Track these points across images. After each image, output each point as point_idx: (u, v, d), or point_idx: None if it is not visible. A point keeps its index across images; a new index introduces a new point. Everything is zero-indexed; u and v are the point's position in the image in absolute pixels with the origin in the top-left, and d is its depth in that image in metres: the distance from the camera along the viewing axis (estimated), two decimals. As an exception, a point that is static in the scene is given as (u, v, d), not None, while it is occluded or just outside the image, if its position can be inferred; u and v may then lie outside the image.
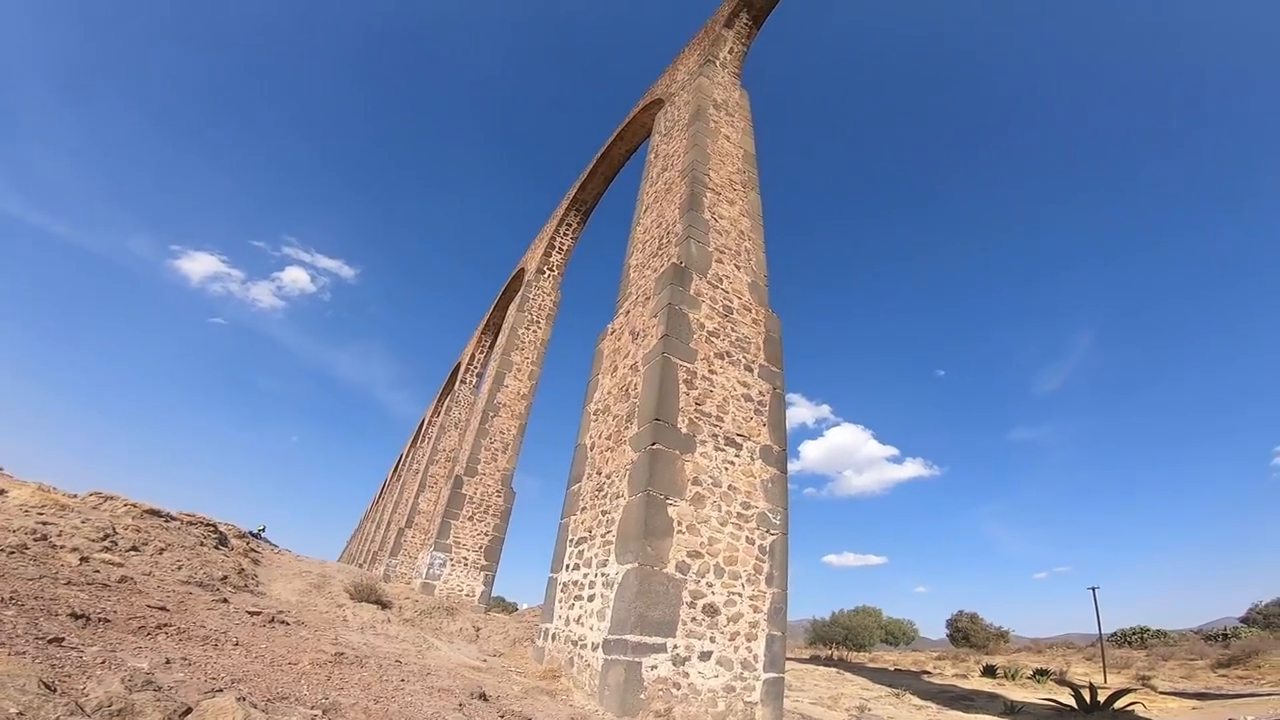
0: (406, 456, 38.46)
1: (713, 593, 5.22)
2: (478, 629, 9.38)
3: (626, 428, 6.44)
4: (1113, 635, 30.12)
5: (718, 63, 15.27)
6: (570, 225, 20.94)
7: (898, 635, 36.20)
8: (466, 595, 14.35)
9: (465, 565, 14.61)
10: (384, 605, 9.42)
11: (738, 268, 8.57)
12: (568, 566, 6.38)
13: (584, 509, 6.55)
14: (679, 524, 5.40)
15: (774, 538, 6.19)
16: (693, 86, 14.11)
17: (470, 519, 15.16)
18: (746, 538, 5.94)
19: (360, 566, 25.62)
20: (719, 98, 13.91)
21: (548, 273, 20.54)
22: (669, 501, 5.50)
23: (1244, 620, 29.01)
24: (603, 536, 5.74)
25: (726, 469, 6.25)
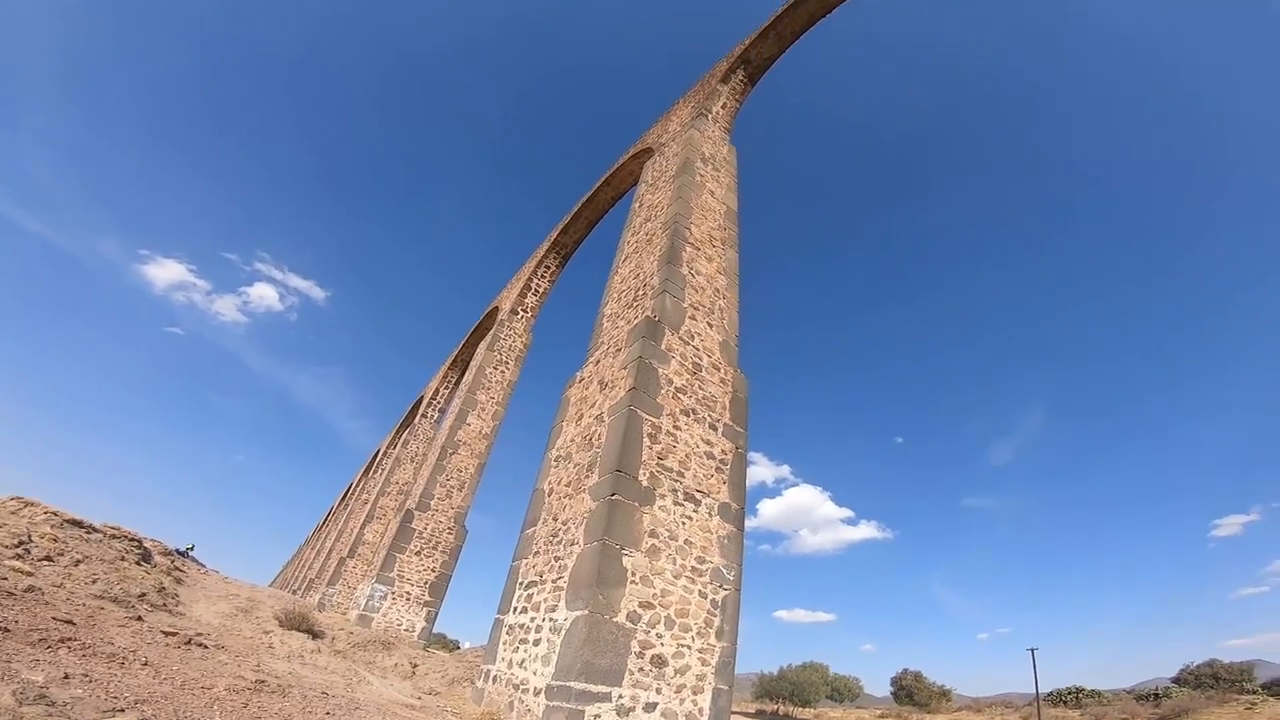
0: (357, 486, 37.44)
1: (662, 644, 5.47)
2: (414, 665, 9.28)
3: (587, 476, 6.74)
4: (1049, 694, 30.98)
5: (710, 117, 16.27)
6: (549, 268, 21.45)
7: (843, 692, 36.48)
8: (406, 630, 14.04)
9: (408, 600, 14.34)
10: (315, 635, 9.25)
11: (710, 325, 9.11)
12: (515, 609, 6.53)
13: (537, 553, 6.75)
14: (633, 574, 5.67)
15: (726, 593, 6.50)
16: (683, 138, 14.98)
17: (418, 553, 14.96)
18: (699, 591, 6.23)
19: (294, 593, 24.58)
20: (707, 152, 14.79)
21: (521, 314, 20.91)
22: (624, 552, 5.78)
23: (1175, 680, 30.22)
24: (554, 582, 5.95)
25: (684, 523, 6.59)
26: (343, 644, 9.50)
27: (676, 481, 6.87)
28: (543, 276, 21.57)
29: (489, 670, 6.44)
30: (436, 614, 14.73)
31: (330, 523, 39.68)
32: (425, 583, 14.74)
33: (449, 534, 15.75)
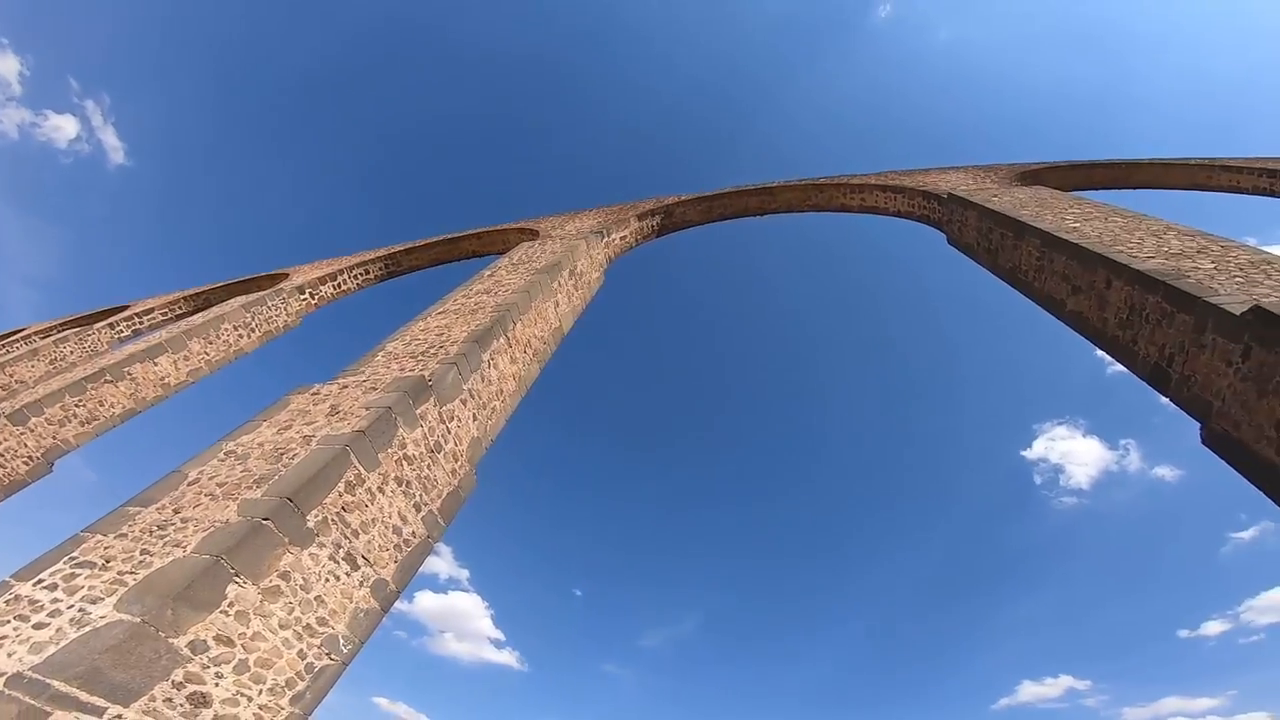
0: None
1: (218, 685, 5.22)
2: None
3: (251, 488, 6.60)
4: None
5: (605, 239, 18.44)
6: (369, 274, 21.11)
7: None
8: None
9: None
10: None
11: (475, 418, 9.82)
12: (42, 581, 5.70)
13: (124, 536, 6.17)
14: (230, 605, 5.52)
15: (331, 664, 6.41)
16: (569, 243, 16.72)
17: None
18: (300, 651, 6.12)
19: None
20: (580, 267, 16.59)
21: (307, 298, 19.87)
22: (237, 579, 5.65)
23: None
24: (121, 574, 5.49)
25: (328, 580, 6.60)
26: None
27: (347, 539, 6.97)
28: (355, 277, 20.91)
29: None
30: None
31: None
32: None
33: (23, 464, 12.89)
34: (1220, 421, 7.55)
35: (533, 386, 11.96)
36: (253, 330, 17.76)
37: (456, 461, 9.11)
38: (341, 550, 6.80)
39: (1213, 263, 9.15)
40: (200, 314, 18.31)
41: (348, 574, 6.79)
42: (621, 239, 18.74)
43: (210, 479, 7.06)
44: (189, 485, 7.02)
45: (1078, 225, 11.60)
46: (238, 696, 5.34)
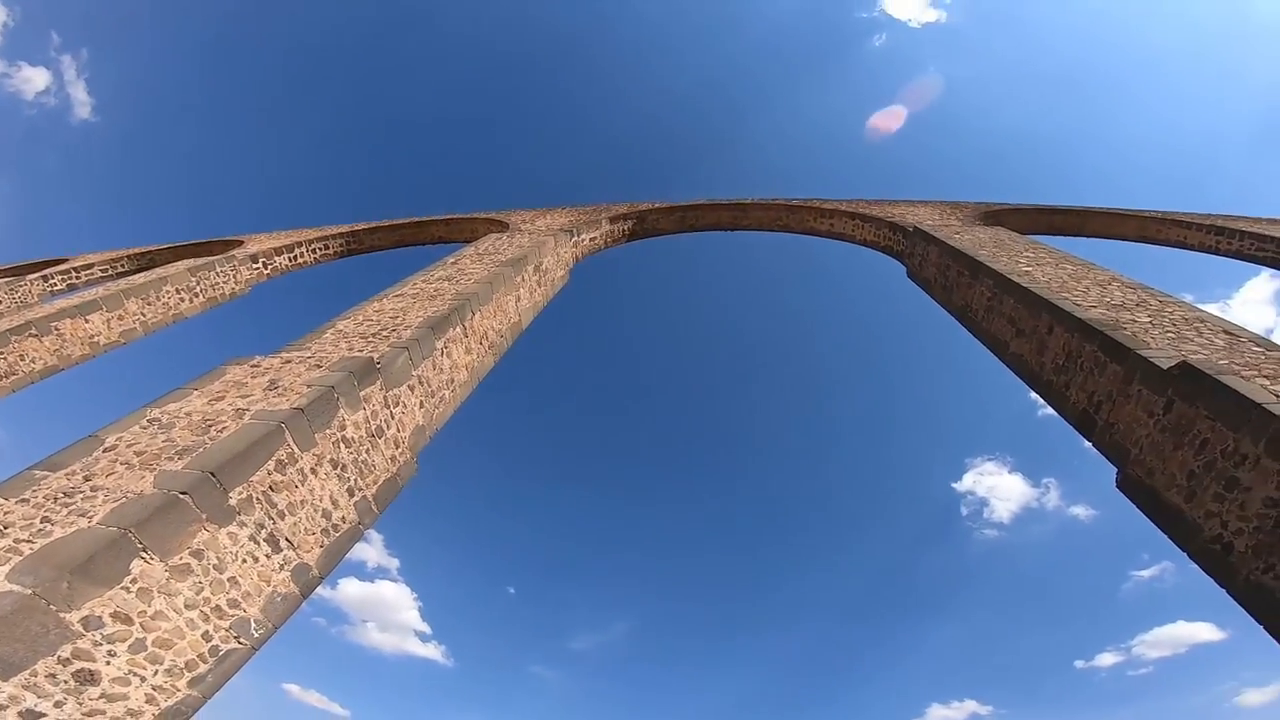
0: None
1: (109, 663, 4.97)
2: None
3: (173, 459, 6.32)
4: None
5: (574, 238, 18.36)
6: (328, 249, 20.58)
7: None
8: None
9: None
10: None
11: (421, 405, 9.64)
12: None
13: (25, 501, 5.82)
14: (133, 581, 5.27)
15: (239, 648, 6.17)
16: (538, 239, 16.60)
17: None
18: (207, 633, 5.87)
19: None
20: (546, 264, 16.47)
21: (260, 267, 19.25)
22: (144, 554, 5.40)
23: None
24: (16, 542, 5.20)
25: (245, 562, 6.36)
26: None
27: (271, 520, 6.74)
28: (312, 252, 20.32)
29: None
30: None
31: None
32: None
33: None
34: (1135, 468, 7.94)
35: (486, 379, 11.80)
36: (196, 295, 17.08)
37: (398, 448, 8.92)
38: (264, 531, 6.57)
39: (1149, 317, 9.62)
40: (142, 274, 17.52)
41: (268, 556, 6.57)
42: (591, 240, 18.68)
43: (129, 447, 6.75)
44: (105, 452, 6.70)
45: (1030, 269, 12.06)
46: (129, 676, 5.10)
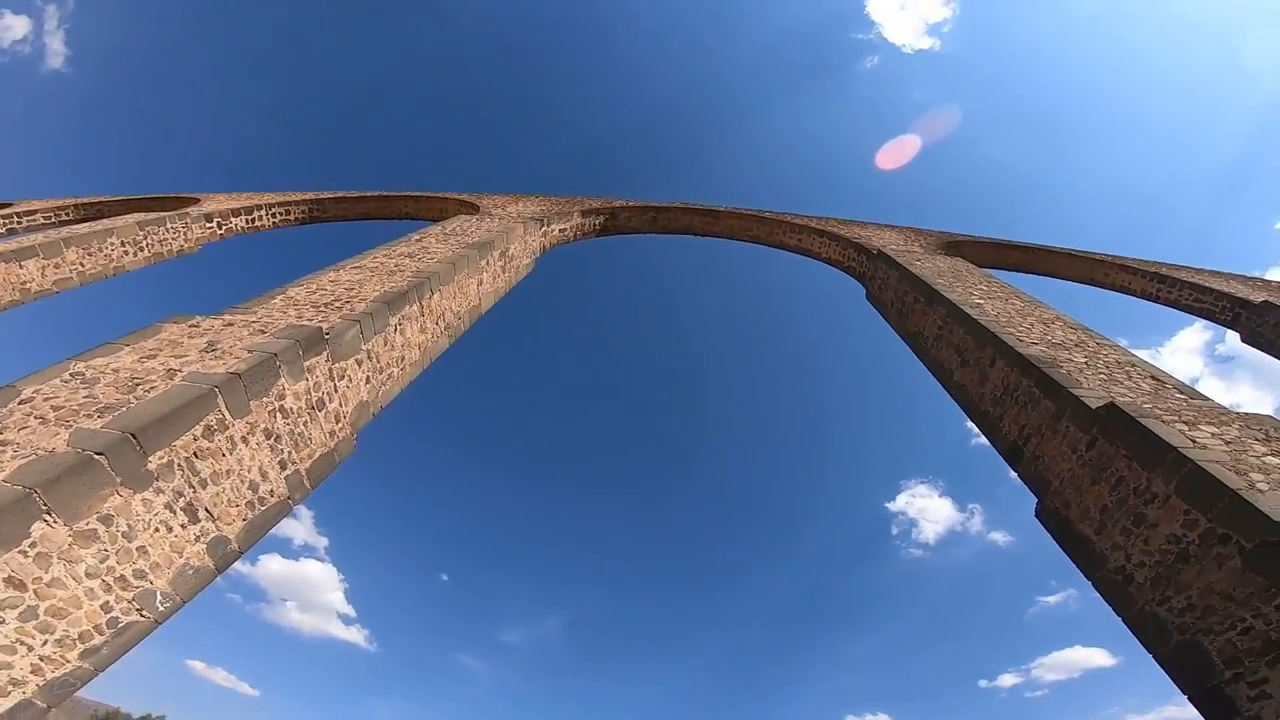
0: None
1: None
2: None
3: (92, 417, 6.02)
4: None
5: (543, 227, 18.18)
6: (287, 215, 19.96)
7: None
8: None
9: None
10: None
11: (368, 381, 9.41)
12: None
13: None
14: (32, 545, 4.99)
15: (140, 621, 5.91)
16: (507, 224, 16.37)
17: None
18: (107, 603, 5.61)
19: None
20: (513, 250, 16.27)
21: (214, 226, 18.56)
22: (48, 517, 5.13)
23: None
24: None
25: (158, 531, 6.11)
26: None
27: (193, 488, 6.49)
28: (274, 215, 19.65)
29: None
30: None
31: None
32: None
33: None
34: (1054, 499, 8.28)
35: (439, 360, 11.59)
36: (141, 249, 16.34)
37: (338, 423, 8.69)
38: (182, 499, 6.32)
39: (1085, 358, 10.01)
40: (87, 224, 16.69)
41: (184, 527, 6.32)
42: (560, 231, 18.53)
43: (46, 400, 6.40)
44: (20, 404, 6.35)
45: (981, 302, 12.44)
46: (16, 644, 4.85)
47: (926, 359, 12.81)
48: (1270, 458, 6.81)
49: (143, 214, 17.72)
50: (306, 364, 8.22)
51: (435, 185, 21.31)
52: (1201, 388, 11.26)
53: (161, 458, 6.18)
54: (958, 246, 18.17)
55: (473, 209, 19.06)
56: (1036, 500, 8.66)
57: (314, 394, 8.29)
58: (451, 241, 14.26)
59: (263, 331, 8.38)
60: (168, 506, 6.18)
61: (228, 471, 6.87)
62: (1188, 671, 6.03)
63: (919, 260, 15.40)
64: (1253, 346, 16.99)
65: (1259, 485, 6.21)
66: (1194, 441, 7.06)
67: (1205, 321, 17.89)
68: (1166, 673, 6.27)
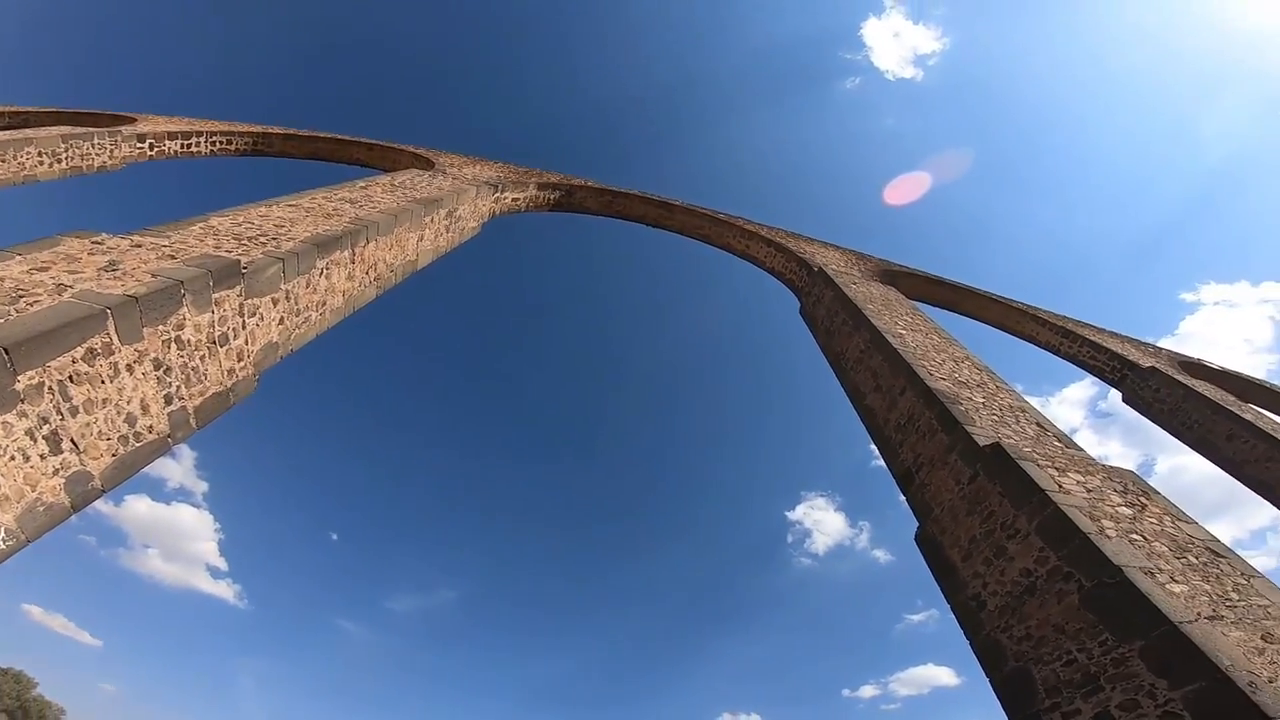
0: None
1: None
2: None
3: (-47, 324, 5.49)
4: None
5: (497, 193, 17.72)
6: (228, 144, 18.73)
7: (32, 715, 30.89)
8: None
9: None
10: None
11: (282, 321, 8.95)
12: None
13: None
14: None
15: None
16: (459, 185, 15.86)
17: None
18: None
19: None
20: (462, 211, 15.79)
21: (145, 148, 17.22)
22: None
23: None
24: None
25: (12, 460, 5.59)
26: None
27: (61, 415, 5.99)
28: (212, 144, 18.33)
29: None
30: None
31: None
32: None
33: None
34: (933, 525, 8.82)
35: (362, 310, 11.16)
36: (59, 160, 14.93)
37: (240, 361, 8.24)
38: (47, 426, 5.84)
39: (984, 398, 10.64)
40: (8, 132, 15.09)
41: (42, 457, 5.83)
42: (514, 200, 18.15)
43: (-102, 296, 5.77)
44: None
45: (904, 333, 13.00)
46: None
47: (845, 380, 13.31)
48: (1124, 508, 7.46)
49: (70, 127, 16.23)
50: (216, 296, 7.74)
51: (395, 137, 20.40)
52: (1079, 439, 12.20)
53: (32, 378, 5.69)
54: (894, 276, 18.90)
55: (427, 164, 18.38)
56: (918, 524, 9.19)
57: (218, 328, 7.82)
58: (399, 193, 13.72)
59: (173, 257, 7.83)
60: (29, 433, 5.69)
61: (104, 400, 6.39)
62: (1016, 697, 6.57)
63: (855, 284, 15.93)
64: (1131, 407, 18.55)
65: (1108, 531, 6.80)
66: (1060, 486, 7.63)
67: (1094, 378, 19.36)
68: (998, 696, 6.82)
